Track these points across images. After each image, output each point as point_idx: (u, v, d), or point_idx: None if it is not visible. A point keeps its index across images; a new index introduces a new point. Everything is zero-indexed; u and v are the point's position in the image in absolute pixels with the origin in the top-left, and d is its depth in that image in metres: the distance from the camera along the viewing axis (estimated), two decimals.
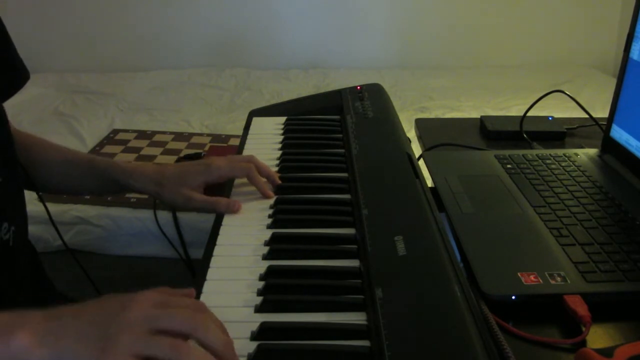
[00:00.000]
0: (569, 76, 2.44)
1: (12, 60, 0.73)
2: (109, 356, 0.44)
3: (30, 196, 0.76)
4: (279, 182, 0.79)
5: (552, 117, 1.16)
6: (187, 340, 0.46)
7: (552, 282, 0.62)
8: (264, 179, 0.79)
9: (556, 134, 1.09)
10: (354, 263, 0.62)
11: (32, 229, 0.79)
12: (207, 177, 0.78)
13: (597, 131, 1.06)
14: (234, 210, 0.74)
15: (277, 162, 0.87)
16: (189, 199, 0.77)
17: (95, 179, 0.83)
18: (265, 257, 0.64)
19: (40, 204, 0.86)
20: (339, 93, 1.07)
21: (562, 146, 1.07)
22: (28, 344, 0.45)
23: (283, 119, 1.03)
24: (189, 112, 2.08)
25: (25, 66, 0.75)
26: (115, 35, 2.61)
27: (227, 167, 0.78)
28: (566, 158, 0.92)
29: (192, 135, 1.81)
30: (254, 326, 0.52)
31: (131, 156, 1.65)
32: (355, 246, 0.65)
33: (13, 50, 0.73)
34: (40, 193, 0.83)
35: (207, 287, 0.59)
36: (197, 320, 0.47)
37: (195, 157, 1.56)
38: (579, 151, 0.95)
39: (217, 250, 0.65)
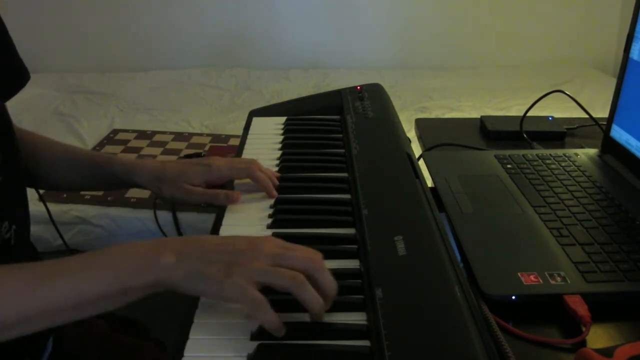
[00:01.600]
0: (569, 76, 2.44)
1: (12, 60, 0.73)
2: (234, 278, 0.51)
3: (30, 196, 0.76)
4: (277, 183, 0.79)
5: (552, 117, 1.16)
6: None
7: (552, 282, 0.62)
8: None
9: (556, 134, 1.09)
10: (354, 263, 0.62)
11: (32, 229, 0.79)
12: (208, 177, 0.79)
13: (597, 131, 1.06)
14: (233, 200, 0.76)
15: (277, 162, 0.87)
16: (189, 193, 0.78)
17: (97, 175, 0.83)
18: None
19: (41, 204, 0.87)
20: (339, 93, 1.07)
21: (562, 146, 1.07)
22: (172, 262, 0.52)
23: (283, 119, 1.03)
24: (189, 112, 2.08)
25: (26, 66, 0.75)
26: (115, 35, 2.61)
27: (227, 168, 0.79)
28: (566, 158, 0.92)
29: (192, 135, 1.81)
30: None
31: (131, 156, 1.65)
32: (355, 246, 0.65)
33: (14, 50, 0.73)
34: (41, 191, 0.84)
35: None
36: (315, 262, 0.53)
37: (195, 157, 1.56)
38: (579, 151, 0.95)
39: None
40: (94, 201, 1.44)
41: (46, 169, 0.84)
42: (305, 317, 0.54)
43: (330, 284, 0.53)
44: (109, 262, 0.53)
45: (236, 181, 0.81)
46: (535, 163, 0.91)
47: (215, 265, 0.52)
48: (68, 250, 0.99)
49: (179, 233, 1.40)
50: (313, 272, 0.53)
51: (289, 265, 0.53)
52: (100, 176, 0.83)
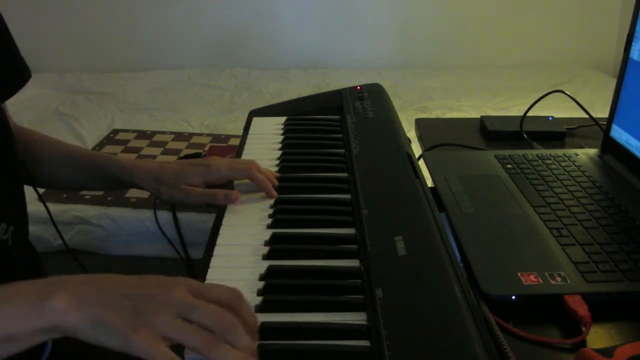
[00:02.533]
0: (569, 76, 2.44)
1: (13, 58, 0.73)
2: (142, 332, 0.45)
3: (30, 196, 0.76)
4: (276, 184, 0.79)
5: (552, 117, 1.16)
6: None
7: (552, 282, 0.62)
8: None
9: (556, 134, 1.09)
10: (354, 263, 0.62)
11: (32, 229, 0.79)
12: (207, 177, 0.79)
13: (597, 131, 1.06)
14: (232, 200, 0.75)
15: (277, 162, 0.87)
16: (188, 193, 0.78)
17: (96, 175, 0.84)
18: (265, 257, 0.64)
19: (41, 204, 0.86)
20: (339, 93, 1.07)
21: (562, 146, 1.07)
22: (65, 307, 0.46)
23: (283, 119, 1.03)
24: (189, 112, 2.08)
25: (27, 65, 0.75)
26: (115, 35, 2.61)
27: (227, 168, 0.79)
28: (566, 158, 0.92)
29: (192, 135, 1.81)
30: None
31: (131, 156, 1.65)
32: (355, 246, 0.65)
33: (14, 48, 0.73)
34: (40, 191, 0.83)
35: None
36: (228, 322, 0.47)
37: (195, 157, 1.56)
38: (579, 151, 0.95)
39: (217, 250, 0.65)
40: (94, 201, 1.44)
41: (45, 167, 0.84)
42: (304, 317, 0.54)
43: (245, 343, 0.47)
44: None
45: (236, 181, 0.81)
46: (535, 163, 0.91)
47: (118, 313, 0.46)
48: (68, 250, 0.99)
49: (179, 233, 1.40)
50: (224, 334, 0.47)
51: (199, 321, 0.47)
52: (98, 176, 0.83)
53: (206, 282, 0.60)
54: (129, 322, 0.45)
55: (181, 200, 0.79)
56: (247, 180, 0.79)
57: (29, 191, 0.77)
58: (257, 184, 0.77)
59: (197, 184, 0.78)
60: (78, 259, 0.91)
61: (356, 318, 0.54)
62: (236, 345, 0.47)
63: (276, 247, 0.65)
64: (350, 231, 0.68)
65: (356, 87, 1.08)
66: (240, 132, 1.02)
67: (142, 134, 1.81)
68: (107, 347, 0.46)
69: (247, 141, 0.96)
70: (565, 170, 0.88)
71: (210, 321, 0.47)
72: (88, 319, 0.45)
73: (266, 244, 0.66)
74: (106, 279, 0.49)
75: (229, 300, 0.50)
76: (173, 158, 1.60)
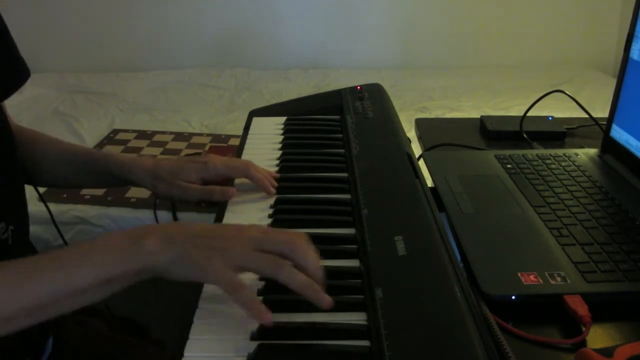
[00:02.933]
0: (569, 76, 2.44)
1: (12, 57, 0.73)
2: (216, 262, 0.51)
3: (30, 196, 0.76)
4: (276, 184, 0.79)
5: (552, 117, 1.16)
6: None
7: (552, 282, 0.62)
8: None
9: (556, 134, 1.09)
10: (354, 263, 0.62)
11: (32, 229, 0.79)
12: (203, 174, 0.79)
13: (597, 131, 1.06)
14: (228, 196, 0.76)
15: (277, 162, 0.87)
16: (184, 189, 0.79)
17: (94, 172, 0.84)
18: None
19: (41, 204, 0.87)
20: (339, 93, 1.07)
21: (562, 146, 1.07)
22: (156, 248, 0.52)
23: (283, 119, 1.03)
24: (189, 112, 2.07)
25: (26, 64, 0.76)
26: (115, 35, 2.61)
27: (223, 165, 0.79)
28: (566, 158, 0.92)
29: (192, 135, 1.81)
30: (254, 326, 0.52)
31: (131, 156, 1.65)
32: (355, 246, 0.65)
33: (13, 47, 0.73)
34: (39, 190, 0.84)
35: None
36: (296, 244, 0.54)
37: (196, 155, 1.56)
38: (579, 151, 0.95)
39: None
40: (94, 201, 1.44)
41: (44, 166, 0.84)
42: (305, 317, 0.54)
43: (311, 265, 0.54)
44: (91, 252, 0.53)
45: (236, 181, 0.81)
46: (535, 163, 0.91)
47: (198, 249, 0.52)
48: None
49: None
50: (291, 253, 0.54)
51: (269, 248, 0.53)
52: (96, 173, 0.84)
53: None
54: (206, 255, 0.52)
55: (177, 196, 0.79)
56: (246, 180, 0.79)
57: (28, 191, 0.77)
58: (254, 181, 0.78)
59: (194, 180, 0.79)
60: None
61: (356, 318, 0.54)
62: (306, 265, 0.53)
63: None
64: (350, 231, 0.68)
65: (356, 87, 1.08)
66: (240, 132, 1.02)
67: (142, 134, 1.81)
68: (190, 280, 0.53)
69: (247, 141, 0.96)
70: (565, 170, 0.88)
71: (281, 246, 0.54)
72: (176, 257, 0.52)
73: None
74: (192, 224, 0.56)
75: (289, 243, 0.55)
76: (174, 157, 1.60)
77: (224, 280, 0.52)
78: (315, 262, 0.54)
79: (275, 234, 0.56)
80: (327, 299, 0.52)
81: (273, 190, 0.77)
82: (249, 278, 0.60)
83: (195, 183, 0.79)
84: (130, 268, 0.52)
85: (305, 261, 0.53)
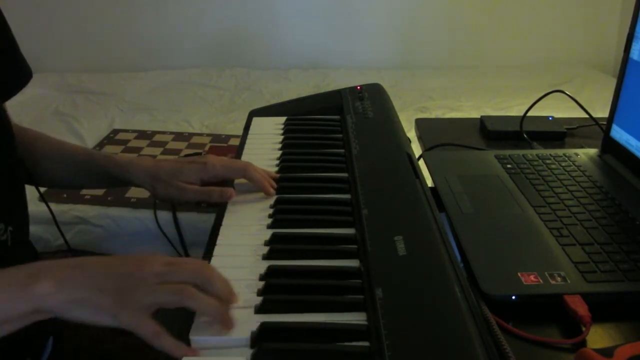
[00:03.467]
0: (569, 76, 2.44)
1: (15, 58, 0.73)
2: (126, 308, 0.49)
3: (30, 196, 0.76)
4: (275, 185, 0.79)
5: (552, 117, 1.16)
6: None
7: (552, 282, 0.62)
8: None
9: (556, 134, 1.09)
10: (354, 263, 0.62)
11: (32, 229, 0.79)
12: (203, 175, 0.79)
13: (597, 131, 1.06)
14: (227, 197, 0.76)
15: (277, 162, 0.87)
16: (183, 190, 0.78)
17: (94, 173, 0.84)
18: (265, 257, 0.64)
19: (41, 204, 0.87)
20: (339, 93, 1.07)
21: (562, 146, 1.07)
22: (50, 290, 0.48)
23: (283, 119, 1.03)
24: (189, 112, 2.07)
25: (28, 64, 0.76)
26: (116, 35, 2.61)
27: (222, 166, 0.79)
28: (566, 158, 0.92)
29: (192, 135, 1.81)
30: (254, 326, 0.52)
31: (131, 156, 1.65)
32: (355, 246, 0.65)
33: (16, 48, 0.73)
34: (40, 190, 0.84)
35: None
36: (203, 273, 0.52)
37: (196, 156, 1.56)
38: (579, 151, 0.95)
39: (217, 250, 0.65)
40: (94, 201, 1.44)
41: (44, 166, 0.84)
42: (304, 317, 0.54)
43: (223, 291, 0.53)
44: None
45: (236, 181, 0.81)
46: (535, 163, 0.91)
47: (102, 293, 0.49)
48: (70, 250, 0.99)
49: (179, 233, 1.40)
50: (202, 284, 0.52)
51: (176, 280, 0.52)
52: (96, 174, 0.84)
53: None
54: (113, 299, 0.49)
55: (176, 197, 0.79)
56: (245, 180, 0.79)
57: (29, 191, 0.77)
58: (253, 183, 0.78)
59: (193, 181, 0.79)
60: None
61: (356, 318, 0.54)
62: (214, 292, 0.52)
63: (276, 247, 0.65)
64: (350, 231, 0.68)
65: (356, 87, 1.08)
66: (240, 132, 1.02)
67: (142, 134, 1.81)
68: (93, 324, 0.50)
69: (247, 141, 0.96)
70: (565, 170, 0.88)
71: (186, 277, 0.52)
72: (73, 300, 0.49)
73: (266, 244, 0.66)
74: (89, 262, 0.52)
75: (201, 264, 0.54)
76: (173, 158, 1.60)
77: (139, 329, 0.49)
78: (222, 285, 0.53)
79: (178, 266, 0.53)
80: (230, 323, 0.52)
81: (272, 192, 0.77)
82: (246, 278, 0.60)
83: (194, 184, 0.79)
84: (20, 310, 0.48)
85: (212, 287, 0.52)
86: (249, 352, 0.50)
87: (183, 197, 0.79)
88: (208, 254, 0.65)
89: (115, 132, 1.84)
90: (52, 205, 0.91)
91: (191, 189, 0.78)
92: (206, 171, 0.79)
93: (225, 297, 0.53)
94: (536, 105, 1.11)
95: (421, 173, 0.76)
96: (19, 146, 0.75)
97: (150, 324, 0.50)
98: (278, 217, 0.72)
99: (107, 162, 0.83)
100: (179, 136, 1.79)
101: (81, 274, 0.51)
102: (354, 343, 0.51)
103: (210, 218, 0.75)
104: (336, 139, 0.93)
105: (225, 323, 0.51)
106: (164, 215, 1.40)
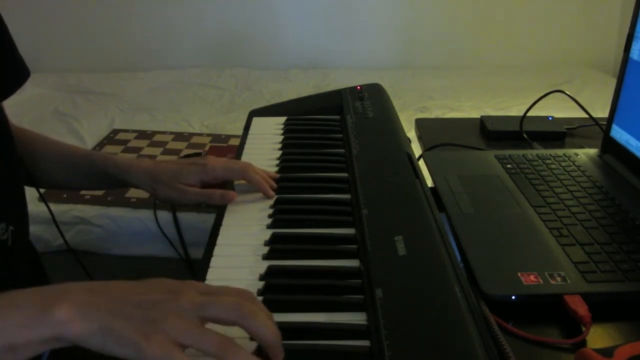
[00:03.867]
0: (569, 76, 2.44)
1: (12, 57, 0.73)
2: (154, 340, 0.43)
3: (30, 196, 0.76)
4: (275, 186, 0.79)
5: (552, 117, 1.16)
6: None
7: (552, 282, 0.62)
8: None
9: (556, 134, 1.09)
10: (354, 263, 0.62)
11: (32, 229, 0.79)
12: (203, 177, 0.79)
13: (597, 131, 1.06)
14: (228, 200, 0.76)
15: (277, 162, 0.87)
16: (184, 192, 0.78)
17: (93, 174, 0.84)
18: (265, 257, 0.64)
19: (41, 204, 0.87)
20: (339, 93, 1.07)
21: (562, 146, 1.07)
22: (70, 316, 0.43)
23: (283, 119, 1.03)
24: (189, 112, 2.07)
25: (26, 64, 0.75)
26: (115, 35, 2.61)
27: (222, 168, 0.79)
28: (566, 158, 0.92)
29: (192, 135, 1.81)
30: None
31: (131, 156, 1.65)
32: (355, 246, 0.65)
33: (13, 47, 0.73)
34: (40, 190, 0.84)
35: None
36: (246, 309, 0.46)
37: (196, 157, 1.56)
38: (579, 151, 0.95)
39: (217, 250, 0.65)
40: (94, 201, 1.44)
41: (43, 167, 0.84)
42: (305, 317, 0.54)
43: (268, 332, 0.46)
44: None
45: (236, 182, 0.81)
46: (535, 163, 0.91)
47: (129, 322, 0.44)
48: (70, 250, 0.99)
49: (179, 233, 1.40)
50: (242, 320, 0.46)
51: (216, 316, 0.46)
52: (95, 175, 0.84)
53: (206, 282, 0.60)
54: (140, 330, 0.43)
55: (177, 199, 0.79)
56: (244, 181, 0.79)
57: (28, 191, 0.77)
58: (252, 184, 0.77)
59: (193, 183, 0.79)
60: (79, 259, 0.91)
61: (356, 318, 0.54)
62: (260, 332, 0.46)
63: (276, 247, 0.65)
64: (350, 231, 0.68)
65: (356, 87, 1.08)
66: (240, 132, 1.02)
67: (142, 134, 1.81)
68: (119, 356, 0.44)
69: (247, 141, 0.96)
70: (565, 170, 0.88)
71: (227, 313, 0.46)
72: (96, 328, 0.43)
73: (266, 244, 0.66)
74: (112, 286, 0.47)
75: (242, 296, 0.49)
76: (173, 158, 1.60)
77: None
78: (272, 328, 0.47)
79: (219, 298, 0.47)
80: None
81: (272, 194, 0.77)
82: (246, 278, 0.60)
83: (194, 186, 0.79)
84: (37, 337, 0.43)
85: (257, 329, 0.46)
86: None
87: (183, 200, 0.79)
88: (208, 254, 0.65)
89: (115, 132, 1.84)
90: (52, 205, 0.91)
91: (192, 191, 0.78)
92: (206, 173, 0.79)
93: (267, 340, 0.46)
94: (536, 105, 1.11)
95: (421, 173, 0.76)
96: (18, 147, 0.75)
97: (183, 359, 0.43)
98: (278, 217, 0.72)
99: (105, 163, 0.82)
100: (179, 136, 1.79)
101: (105, 300, 0.45)
102: (354, 343, 0.51)
103: (210, 218, 0.75)
104: (336, 139, 0.93)
105: None
106: (164, 215, 1.40)
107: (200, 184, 0.79)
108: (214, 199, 0.76)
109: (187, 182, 0.79)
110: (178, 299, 0.46)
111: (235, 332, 0.51)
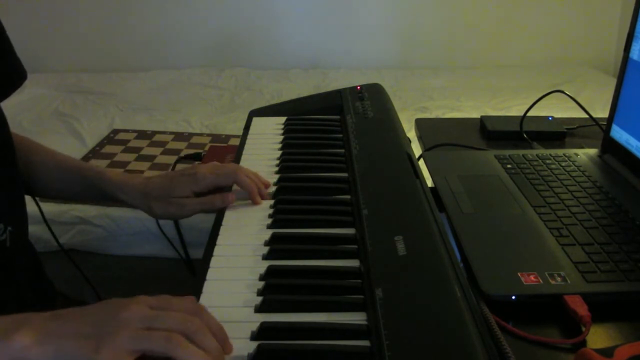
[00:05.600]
0: (569, 76, 2.44)
1: (9, 59, 0.73)
2: (105, 352, 0.45)
3: (29, 196, 0.76)
4: (266, 191, 0.78)
5: (552, 117, 1.16)
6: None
7: (552, 282, 0.62)
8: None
9: (556, 134, 1.09)
10: (354, 263, 0.62)
11: (31, 229, 0.79)
12: (194, 187, 0.77)
13: (597, 131, 1.06)
14: (228, 202, 0.75)
15: (277, 162, 0.87)
16: (182, 206, 0.77)
17: (85, 187, 0.83)
18: (265, 257, 0.64)
19: (42, 204, 0.86)
20: (339, 93, 1.07)
21: (562, 146, 1.07)
22: (28, 343, 0.46)
23: (283, 119, 1.03)
24: (189, 112, 2.08)
25: (23, 66, 0.75)
26: (115, 35, 2.61)
27: (212, 174, 0.77)
28: (566, 158, 0.92)
29: (192, 135, 1.81)
30: (254, 326, 0.52)
31: (131, 156, 1.65)
32: (355, 246, 0.65)
33: (10, 49, 0.73)
34: (36, 197, 0.83)
35: (207, 287, 0.59)
36: (191, 323, 0.48)
37: (195, 157, 1.56)
38: (579, 151, 0.95)
39: (217, 250, 0.65)
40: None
41: (38, 175, 0.83)
42: (305, 317, 0.54)
43: (214, 345, 0.48)
44: None
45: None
46: (535, 163, 0.91)
47: (81, 340, 0.46)
48: (63, 251, 0.99)
49: (179, 233, 1.40)
50: (191, 334, 0.47)
51: (164, 327, 0.47)
52: (88, 189, 0.83)
53: (206, 282, 0.60)
54: (92, 346, 0.45)
55: (177, 214, 0.78)
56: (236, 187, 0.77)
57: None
58: (243, 188, 0.76)
59: (186, 194, 0.77)
60: (79, 259, 0.91)
61: (356, 318, 0.54)
62: (204, 346, 0.47)
63: (276, 247, 0.65)
64: (350, 231, 0.68)
65: (356, 87, 1.08)
66: (240, 132, 1.02)
67: (142, 134, 1.81)
68: None
69: (247, 141, 0.96)
70: (565, 170, 0.88)
71: (174, 325, 0.48)
72: (51, 351, 0.46)
73: (266, 244, 0.66)
74: (69, 311, 0.50)
75: (191, 310, 0.50)
76: (173, 158, 1.60)
77: None
78: (214, 344, 0.48)
79: (167, 311, 0.49)
80: None
81: (259, 201, 0.75)
82: (246, 278, 0.60)
83: (188, 196, 0.77)
84: None
85: (202, 340, 0.47)
86: (249, 351, 0.50)
87: (184, 213, 0.77)
88: (208, 254, 0.65)
89: (115, 132, 1.84)
90: (52, 205, 0.91)
91: (191, 203, 0.76)
92: (197, 183, 0.77)
93: (216, 353, 0.48)
94: (536, 105, 1.11)
95: (421, 173, 0.76)
96: (17, 154, 0.74)
97: None
98: (278, 217, 0.72)
99: (100, 179, 0.81)
100: (179, 136, 1.79)
101: (60, 324, 0.48)
102: (354, 343, 0.51)
103: (210, 218, 0.75)
104: (336, 139, 0.93)
105: None
106: None
107: (193, 195, 0.77)
108: (216, 203, 0.75)
109: (180, 194, 0.77)
110: (127, 312, 0.48)
111: (233, 331, 0.51)
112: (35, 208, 0.85)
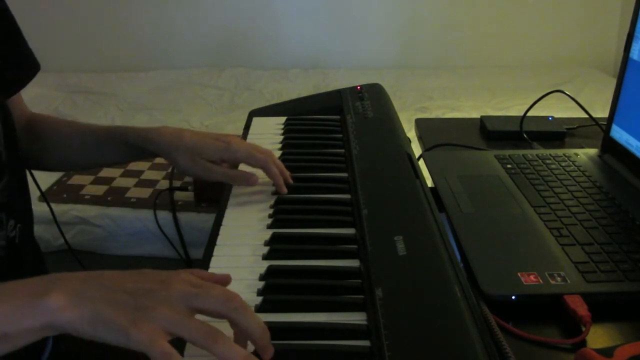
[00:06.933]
0: (569, 76, 2.44)
1: (22, 51, 0.73)
2: (142, 327, 0.43)
3: (31, 195, 0.77)
4: (291, 181, 0.78)
5: (552, 117, 1.16)
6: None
7: (552, 282, 0.62)
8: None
9: (556, 134, 1.09)
10: (354, 263, 0.62)
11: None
12: (224, 155, 0.77)
13: (597, 131, 1.06)
14: (251, 183, 0.76)
15: None
16: (209, 170, 0.76)
17: (112, 146, 0.81)
18: (265, 257, 0.64)
19: (40, 204, 0.87)
20: (339, 93, 1.07)
21: (562, 146, 1.07)
22: (62, 304, 0.44)
23: (283, 119, 1.03)
24: (189, 112, 2.08)
25: (35, 57, 0.75)
26: (115, 35, 2.61)
27: (245, 151, 0.77)
28: (566, 158, 0.92)
29: None
30: None
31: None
32: (355, 246, 0.65)
33: (20, 40, 0.73)
34: (41, 189, 0.83)
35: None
36: (235, 302, 0.46)
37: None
38: (579, 151, 0.95)
39: (217, 250, 0.65)
40: (94, 201, 1.44)
41: (59, 150, 0.83)
42: (305, 317, 0.54)
43: (255, 326, 0.46)
44: None
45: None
46: (535, 163, 0.91)
47: (119, 308, 0.44)
48: (70, 250, 0.99)
49: (179, 233, 1.40)
50: (231, 312, 0.46)
51: (205, 307, 0.46)
52: (114, 147, 0.81)
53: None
54: (129, 317, 0.44)
55: (200, 174, 0.77)
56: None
57: (30, 191, 0.77)
58: (269, 176, 0.77)
59: (214, 159, 0.77)
60: (79, 259, 0.91)
61: (356, 318, 0.54)
62: (246, 326, 0.46)
63: (276, 247, 0.65)
64: (350, 231, 0.68)
65: (356, 87, 1.08)
66: (240, 132, 1.02)
67: None
68: (107, 342, 0.45)
69: (247, 141, 0.96)
70: (565, 170, 0.88)
71: (216, 304, 0.46)
72: (87, 315, 0.44)
73: (266, 244, 0.66)
74: (105, 276, 0.48)
75: (227, 301, 0.48)
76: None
77: (153, 351, 0.43)
78: (260, 322, 0.47)
79: (209, 288, 0.47)
80: None
81: (285, 190, 0.77)
82: (246, 278, 0.60)
83: (214, 162, 0.77)
84: (29, 325, 0.44)
85: (247, 322, 0.46)
86: (249, 351, 0.50)
87: (206, 176, 0.77)
88: (208, 254, 0.65)
89: None
90: (52, 205, 0.91)
91: (218, 171, 0.76)
92: (228, 152, 0.76)
93: (258, 335, 0.46)
94: (536, 105, 1.10)
95: (421, 173, 0.76)
96: (30, 136, 0.73)
97: (165, 347, 0.43)
98: (278, 217, 0.72)
99: (126, 133, 0.80)
100: None
101: (96, 287, 0.46)
102: (354, 343, 0.51)
103: (210, 218, 0.75)
104: (336, 139, 0.93)
105: None
106: (164, 215, 1.40)
107: (220, 161, 0.77)
108: (237, 180, 0.76)
109: (209, 158, 0.76)
110: (168, 288, 0.46)
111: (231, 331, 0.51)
112: (35, 208, 0.85)
